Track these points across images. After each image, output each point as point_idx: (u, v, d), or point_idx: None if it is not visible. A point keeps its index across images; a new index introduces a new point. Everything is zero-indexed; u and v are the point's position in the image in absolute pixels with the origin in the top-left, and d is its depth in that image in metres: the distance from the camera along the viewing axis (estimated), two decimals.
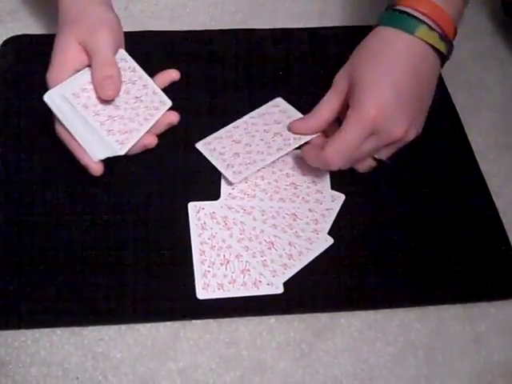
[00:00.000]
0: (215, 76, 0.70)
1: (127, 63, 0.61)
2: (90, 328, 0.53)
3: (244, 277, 0.55)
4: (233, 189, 0.60)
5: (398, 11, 0.56)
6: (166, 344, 0.53)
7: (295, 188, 0.61)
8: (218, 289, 0.54)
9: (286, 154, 0.61)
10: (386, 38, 0.57)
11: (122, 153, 0.57)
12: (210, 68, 0.70)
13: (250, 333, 0.54)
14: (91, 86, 0.58)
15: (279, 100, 0.66)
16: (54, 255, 0.56)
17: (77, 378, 0.51)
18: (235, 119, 0.65)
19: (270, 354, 0.53)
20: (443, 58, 0.58)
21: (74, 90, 0.57)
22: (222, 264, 0.56)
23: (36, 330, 0.53)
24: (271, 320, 0.54)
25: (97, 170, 0.57)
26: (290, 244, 0.57)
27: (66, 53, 0.57)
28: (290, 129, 0.62)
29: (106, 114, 0.58)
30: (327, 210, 0.59)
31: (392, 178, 0.63)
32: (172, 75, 0.63)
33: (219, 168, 0.61)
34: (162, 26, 0.75)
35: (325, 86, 0.59)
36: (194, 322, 0.54)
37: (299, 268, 0.56)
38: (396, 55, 0.56)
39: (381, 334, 0.54)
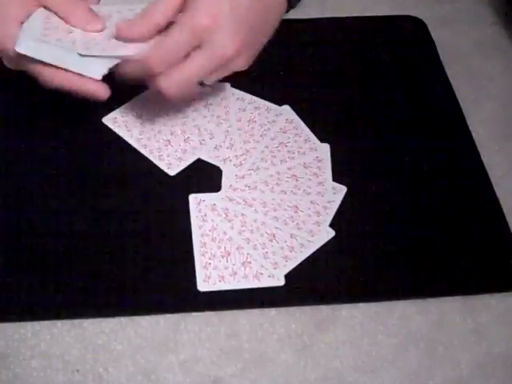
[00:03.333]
0: None
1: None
2: (91, 320, 0.53)
3: (245, 269, 0.55)
4: (236, 182, 0.60)
5: None
6: (167, 336, 0.53)
7: (296, 180, 0.60)
8: (219, 281, 0.54)
9: (288, 147, 0.61)
10: None
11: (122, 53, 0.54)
12: None
13: (251, 325, 0.53)
14: (51, 20, 0.56)
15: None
16: (54, 247, 0.55)
17: (77, 370, 0.51)
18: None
19: (271, 346, 0.53)
20: (289, 3, 0.57)
21: (39, 30, 0.55)
22: (222, 256, 0.55)
23: (36, 323, 0.52)
24: (272, 312, 0.54)
25: (103, 91, 0.54)
26: (291, 236, 0.57)
27: (8, 6, 0.54)
28: (117, 31, 0.54)
29: (84, 40, 0.55)
30: (329, 202, 0.59)
31: (393, 170, 0.62)
32: None
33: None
34: None
35: (324, 78, 0.59)
36: (194, 314, 0.54)
37: (300, 260, 0.55)
38: None
39: (382, 326, 0.54)
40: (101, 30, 0.56)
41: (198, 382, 0.51)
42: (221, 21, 0.52)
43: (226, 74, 0.56)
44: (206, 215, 0.58)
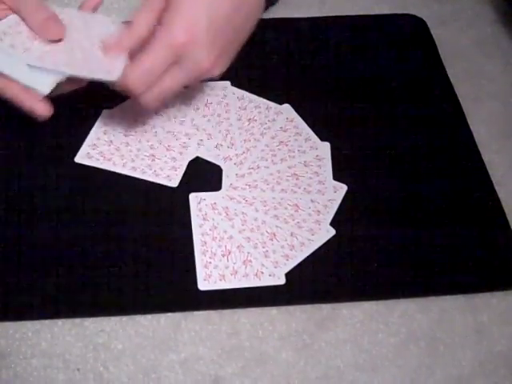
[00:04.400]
0: None
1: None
2: (91, 319, 0.53)
3: (246, 268, 0.55)
4: (237, 180, 0.60)
5: None
6: (168, 335, 0.53)
7: (297, 179, 0.60)
8: (220, 280, 0.54)
9: (289, 146, 0.61)
10: None
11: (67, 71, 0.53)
12: None
13: (252, 324, 0.53)
14: (14, 29, 0.54)
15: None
16: (55, 246, 0.55)
17: (78, 369, 0.51)
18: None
19: (272, 344, 0.53)
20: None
21: None
22: (223, 255, 0.55)
23: (37, 322, 0.52)
24: (273, 311, 0.54)
25: (42, 110, 0.52)
26: (291, 235, 0.57)
27: None
28: (104, 47, 0.53)
29: (39, 48, 0.54)
30: (329, 200, 0.59)
31: (394, 169, 0.62)
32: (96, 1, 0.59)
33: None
34: None
35: (325, 76, 0.59)
36: (195, 313, 0.54)
37: (301, 259, 0.55)
38: None
39: (383, 325, 0.54)
40: (59, 39, 0.54)
41: (198, 381, 0.51)
42: (198, 36, 0.51)
43: (199, 81, 0.57)
44: (206, 214, 0.58)
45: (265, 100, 0.66)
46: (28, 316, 0.52)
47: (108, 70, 0.53)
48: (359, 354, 0.52)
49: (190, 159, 0.61)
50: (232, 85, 0.67)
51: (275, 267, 0.55)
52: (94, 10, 0.58)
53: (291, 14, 0.74)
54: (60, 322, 0.53)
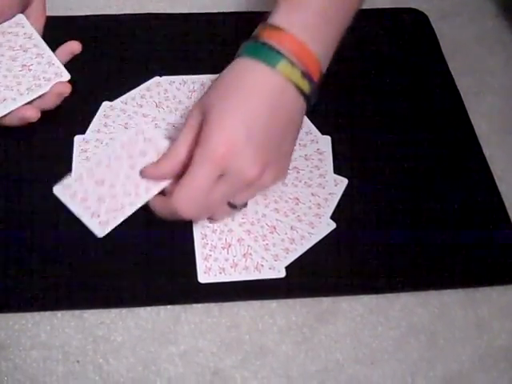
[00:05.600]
0: (218, 57, 0.69)
1: (23, 29, 0.58)
2: (91, 311, 0.53)
3: (246, 261, 0.55)
4: None
5: (259, 42, 0.51)
6: (167, 327, 0.53)
7: (298, 172, 0.60)
8: (220, 273, 0.54)
9: None
10: (243, 68, 0.51)
11: None
12: (212, 51, 0.70)
13: (252, 317, 0.53)
14: None
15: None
16: (55, 238, 0.55)
17: (77, 361, 0.51)
18: None
19: (272, 338, 0.53)
20: (307, 100, 0.52)
21: None
22: (223, 248, 0.55)
23: (36, 313, 0.52)
24: (273, 304, 0.54)
25: None
26: (292, 228, 0.57)
27: None
28: (142, 175, 0.54)
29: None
30: (330, 194, 0.59)
31: (395, 163, 0.62)
32: (72, 47, 0.60)
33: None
34: (163, 8, 0.74)
35: (326, 70, 0.58)
36: (194, 305, 0.54)
37: (301, 252, 0.55)
38: (251, 87, 0.50)
39: (383, 319, 0.54)
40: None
41: (198, 374, 0.51)
42: (237, 146, 0.49)
43: (256, 193, 0.54)
44: None
45: None
46: (28, 308, 0.52)
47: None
48: (359, 348, 0.52)
49: None
50: None
51: (275, 260, 0.55)
52: (71, 54, 0.59)
53: None
54: (59, 313, 0.52)
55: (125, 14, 0.73)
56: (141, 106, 0.64)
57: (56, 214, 0.56)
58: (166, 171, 0.53)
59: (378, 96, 0.68)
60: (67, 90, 0.58)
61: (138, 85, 0.66)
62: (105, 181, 0.54)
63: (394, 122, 0.66)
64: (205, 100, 0.51)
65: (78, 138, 0.61)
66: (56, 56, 0.58)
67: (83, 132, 0.62)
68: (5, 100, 0.55)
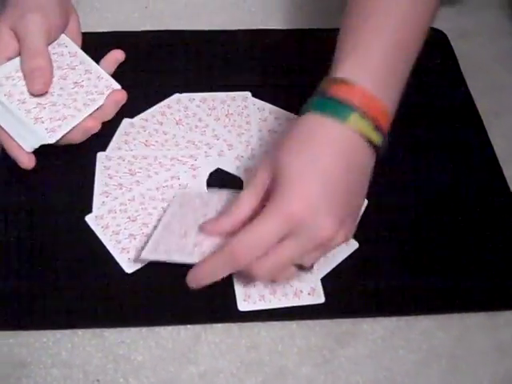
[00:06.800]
0: (237, 75, 0.69)
1: (67, 48, 0.59)
2: (112, 330, 0.53)
3: (284, 287, 0.54)
4: None
5: (328, 98, 0.50)
6: (187, 347, 0.52)
7: None
8: (259, 300, 0.54)
9: None
10: (314, 125, 0.49)
11: (52, 141, 0.55)
12: (232, 68, 0.70)
13: (272, 338, 0.53)
14: (18, 74, 0.55)
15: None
16: (77, 256, 0.56)
17: (98, 380, 0.51)
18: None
19: (292, 359, 0.52)
20: (376, 151, 0.51)
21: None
22: None
23: (57, 331, 0.52)
24: (293, 325, 0.54)
25: (25, 162, 0.55)
26: None
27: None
28: (201, 230, 0.52)
29: (34, 101, 0.55)
30: None
31: (416, 183, 0.62)
32: (116, 55, 0.61)
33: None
34: (182, 25, 0.74)
35: None
36: (214, 325, 0.53)
37: (324, 273, 0.55)
38: (324, 144, 0.49)
39: (404, 342, 0.54)
40: (40, 94, 0.55)
41: None
42: (315, 205, 0.47)
43: (327, 252, 0.51)
44: None
45: (285, 111, 0.66)
46: (48, 325, 0.52)
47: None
48: (379, 371, 0.52)
49: (210, 171, 0.61)
50: (252, 96, 0.67)
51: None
52: (116, 63, 0.60)
53: (316, 25, 0.74)
54: (80, 331, 0.53)
55: (144, 31, 0.73)
56: (161, 124, 0.64)
57: (79, 237, 0.56)
58: (226, 227, 0.51)
59: (397, 114, 0.67)
60: (124, 97, 0.58)
61: (158, 102, 0.66)
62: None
63: (413, 141, 0.65)
64: (273, 158, 0.50)
65: (100, 155, 0.61)
66: (102, 68, 0.59)
67: (104, 149, 0.62)
68: (65, 118, 0.56)
